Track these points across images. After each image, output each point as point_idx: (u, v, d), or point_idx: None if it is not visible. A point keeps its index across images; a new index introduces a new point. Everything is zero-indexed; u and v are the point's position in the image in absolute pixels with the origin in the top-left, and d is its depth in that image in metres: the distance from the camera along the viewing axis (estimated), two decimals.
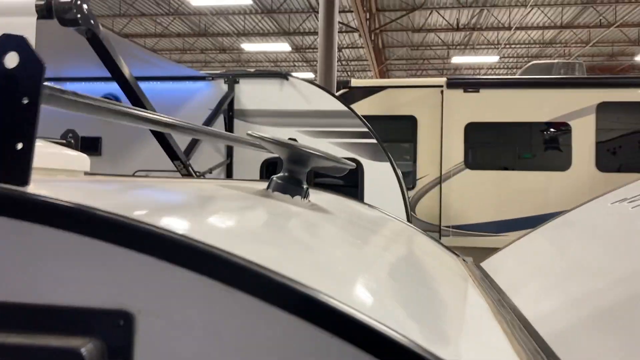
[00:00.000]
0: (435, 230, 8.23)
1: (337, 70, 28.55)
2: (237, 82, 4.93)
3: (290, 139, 2.45)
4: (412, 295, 0.99)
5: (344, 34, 22.23)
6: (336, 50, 10.21)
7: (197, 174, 4.15)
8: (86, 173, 1.76)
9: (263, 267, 0.61)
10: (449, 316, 1.03)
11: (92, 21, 2.72)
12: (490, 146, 8.38)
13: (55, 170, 1.48)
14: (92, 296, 0.61)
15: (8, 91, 0.68)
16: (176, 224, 0.74)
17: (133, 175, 4.90)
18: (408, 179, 8.44)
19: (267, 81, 4.90)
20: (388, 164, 4.83)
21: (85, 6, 2.66)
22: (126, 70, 3.25)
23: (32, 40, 2.51)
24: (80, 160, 1.72)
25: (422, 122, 8.49)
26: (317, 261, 0.80)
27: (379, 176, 4.83)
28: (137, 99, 3.40)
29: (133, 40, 23.64)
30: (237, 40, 23.15)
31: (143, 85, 4.95)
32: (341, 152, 4.84)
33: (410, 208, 8.39)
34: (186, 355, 0.60)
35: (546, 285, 1.48)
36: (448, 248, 2.21)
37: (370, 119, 8.67)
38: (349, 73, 29.49)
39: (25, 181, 0.67)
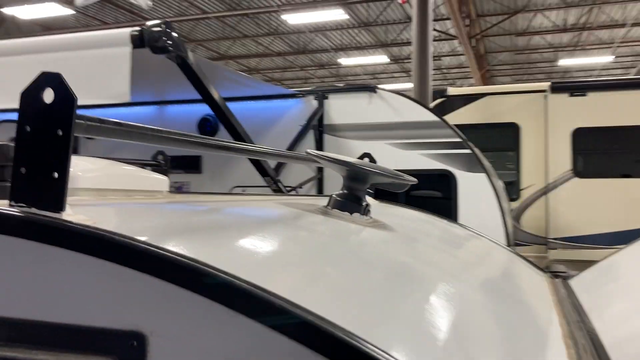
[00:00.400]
0: (542, 242, 7.80)
1: (437, 79, 28.14)
2: (327, 98, 4.99)
3: (364, 154, 2.43)
4: (462, 320, 0.94)
5: (443, 41, 21.84)
6: (431, 59, 10.04)
7: (288, 189, 4.23)
8: (171, 191, 1.86)
9: (273, 294, 0.61)
10: (509, 340, 0.97)
11: (180, 48, 2.88)
12: (602, 152, 7.82)
13: (134, 191, 1.58)
14: (108, 317, 0.64)
15: (45, 124, 0.73)
16: (197, 249, 0.76)
17: (230, 192, 5.10)
18: (511, 189, 8.08)
19: (355, 95, 4.91)
20: (484, 175, 4.65)
21: (174, 34, 2.83)
22: (215, 93, 3.41)
23: (127, 68, 2.71)
24: (159, 181, 1.81)
25: (526, 130, 8.12)
26: (338, 287, 0.78)
27: (474, 187, 4.65)
28: (226, 119, 3.54)
29: (237, 61, 24.78)
30: (335, 55, 23.50)
31: (236, 105, 5.17)
32: (433, 164, 4.73)
33: (512, 219, 8.03)
34: None
35: (632, 308, 1.35)
36: (535, 265, 2.09)
37: (469, 127, 8.43)
38: (450, 81, 28.87)
39: (60, 207, 0.72)
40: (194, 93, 3.52)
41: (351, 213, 1.35)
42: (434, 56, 23.39)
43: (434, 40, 21.36)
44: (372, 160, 2.06)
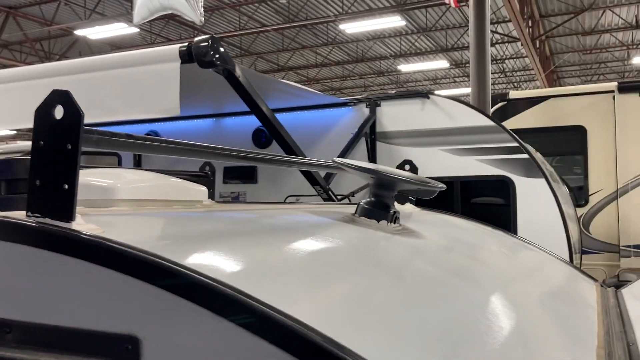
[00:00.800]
0: (614, 250, 7.43)
1: (501, 83, 27.40)
2: (379, 105, 4.96)
3: (405, 161, 2.40)
4: (481, 332, 0.91)
5: (506, 44, 21.29)
6: (489, 63, 9.80)
7: (339, 197, 4.23)
8: (220, 201, 1.91)
9: (258, 301, 0.62)
10: (535, 351, 0.94)
11: (227, 61, 2.95)
12: None
13: (173, 202, 1.63)
14: (106, 321, 0.67)
15: (56, 139, 0.77)
16: (198, 257, 0.77)
17: (284, 201, 5.16)
18: (579, 194, 7.76)
19: (408, 101, 4.86)
20: (543, 180, 4.47)
21: (221, 49, 2.90)
22: (263, 104, 3.46)
23: (176, 82, 2.80)
24: (198, 191, 1.86)
25: (593, 132, 7.78)
26: (333, 296, 0.77)
27: (533, 193, 4.49)
28: (275, 130, 3.59)
29: (297, 72, 25.10)
30: (394, 62, 23.39)
31: (288, 115, 5.23)
32: (489, 170, 4.60)
33: (581, 226, 7.68)
34: None
35: None
36: (585, 274, 1.99)
37: (533, 131, 8.17)
38: (514, 84, 28.08)
39: (70, 217, 0.76)
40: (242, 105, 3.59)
41: (378, 221, 1.34)
42: (497, 59, 22.89)
43: (497, 43, 20.91)
44: (414, 167, 2.03)
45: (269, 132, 3.61)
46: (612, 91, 7.57)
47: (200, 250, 0.81)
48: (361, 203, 1.39)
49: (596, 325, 1.29)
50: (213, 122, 5.78)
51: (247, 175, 5.49)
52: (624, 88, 7.43)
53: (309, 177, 3.86)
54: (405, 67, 23.25)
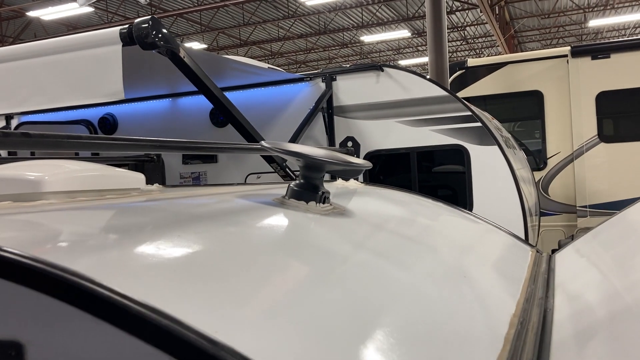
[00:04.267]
0: (571, 211, 7.66)
1: (463, 50, 27.51)
2: (335, 79, 4.96)
3: (347, 137, 2.42)
4: (383, 308, 0.94)
5: (466, 11, 21.36)
6: (445, 30, 9.83)
7: (296, 174, 4.24)
8: (163, 186, 1.90)
9: (136, 302, 0.62)
10: (441, 323, 0.97)
11: (170, 42, 2.90)
12: (628, 116, 7.59)
13: (107, 191, 1.61)
14: None
15: None
16: (85, 256, 0.77)
17: (245, 180, 5.15)
18: (538, 158, 7.94)
19: (363, 75, 4.86)
20: (496, 147, 4.56)
21: (163, 30, 2.85)
22: (211, 84, 3.42)
23: (119, 66, 2.75)
24: (135, 179, 1.84)
25: (549, 96, 7.93)
26: (234, 290, 0.78)
27: (486, 160, 4.58)
28: (225, 110, 3.55)
29: (260, 47, 24.78)
30: (356, 33, 23.26)
31: (242, 93, 5.19)
32: (444, 139, 4.67)
33: (540, 189, 7.87)
34: None
35: (595, 281, 1.32)
36: (523, 240, 2.05)
37: (493, 98, 8.29)
38: (476, 51, 28.27)
39: None
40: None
41: (307, 202, 1.35)
42: (457, 27, 22.96)
43: (457, 10, 20.96)
44: (356, 143, 2.04)
45: (220, 112, 3.57)
46: (566, 55, 7.70)
47: (88, 248, 0.80)
48: (290, 185, 1.40)
49: (519, 293, 1.34)
50: (170, 103, 5.70)
51: (207, 155, 5.45)
52: (576, 52, 7.56)
53: (266, 156, 3.86)
54: (368, 38, 23.17)
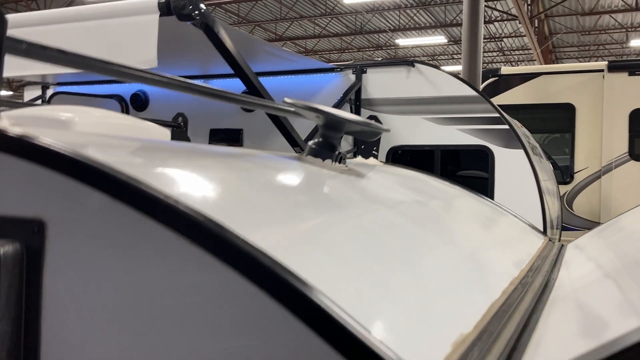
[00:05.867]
0: (594, 228, 7.54)
1: (499, 62, 27.18)
2: (365, 72, 4.98)
3: (370, 116, 2.44)
4: (401, 259, 0.97)
5: (505, 22, 21.14)
6: (481, 36, 9.77)
7: None
8: None
9: (145, 184, 0.67)
10: (452, 279, 1.00)
11: (207, 16, 2.96)
12: None
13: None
14: (15, 207, 0.72)
15: None
16: (102, 150, 0.82)
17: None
18: (565, 172, 7.84)
19: (393, 69, 4.88)
20: (521, 152, 4.53)
21: (201, 4, 2.91)
22: (244, 63, 3.47)
23: (154, 35, 2.81)
24: (160, 133, 1.90)
25: (581, 110, 7.82)
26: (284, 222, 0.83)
27: (511, 164, 4.55)
28: (254, 89, 3.60)
29: (295, 43, 24.90)
30: (392, 36, 23.21)
31: (273, 79, 5.24)
32: (469, 139, 4.65)
33: (564, 203, 7.77)
34: (86, 257, 0.69)
35: (600, 265, 1.33)
36: (536, 229, 2.06)
37: (523, 108, 8.21)
38: (512, 64, 27.95)
39: None
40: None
41: (323, 160, 1.39)
42: (495, 37, 22.73)
43: (495, 20, 20.76)
44: (378, 121, 2.07)
45: (249, 90, 3.61)
46: (602, 70, 7.60)
47: (111, 145, 0.86)
48: (309, 143, 1.44)
49: (526, 264, 1.35)
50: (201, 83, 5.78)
51: (232, 137, 5.53)
52: (613, 67, 7.46)
53: (289, 138, 3.90)
54: (403, 42, 23.08)
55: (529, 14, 16.84)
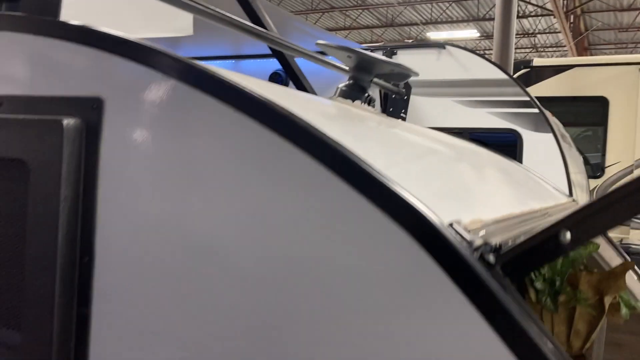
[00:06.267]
0: (625, 224, 7.43)
1: (532, 57, 26.69)
2: (395, 54, 5.01)
3: (395, 83, 2.47)
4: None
5: (539, 17, 20.81)
6: (514, 33, 9.68)
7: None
8: None
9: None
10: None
11: None
12: None
13: None
14: (76, 88, 0.79)
15: None
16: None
17: None
18: (596, 166, 7.73)
19: (424, 51, 4.89)
20: (550, 135, 4.50)
21: None
22: (275, 32, 3.52)
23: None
24: None
25: (615, 104, 7.69)
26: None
27: (540, 148, 4.53)
28: (288, 65, 3.65)
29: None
30: (424, 29, 23.07)
31: (302, 59, 5.26)
32: (499, 122, 4.64)
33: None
34: (140, 132, 0.75)
35: None
36: (560, 191, 2.08)
37: (556, 100, 8.10)
38: None
39: (55, 14, 0.88)
40: (266, 48, 3.65)
41: (353, 101, 1.44)
42: (529, 33, 22.41)
43: (529, 15, 20.45)
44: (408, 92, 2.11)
45: (282, 68, 3.68)
46: (638, 63, 7.46)
47: None
48: (339, 85, 1.49)
49: (547, 204, 1.39)
50: (232, 64, 5.87)
51: None
52: None
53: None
54: (434, 35, 22.91)
55: (565, 8, 16.56)
